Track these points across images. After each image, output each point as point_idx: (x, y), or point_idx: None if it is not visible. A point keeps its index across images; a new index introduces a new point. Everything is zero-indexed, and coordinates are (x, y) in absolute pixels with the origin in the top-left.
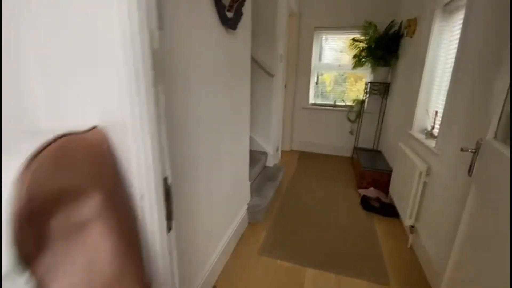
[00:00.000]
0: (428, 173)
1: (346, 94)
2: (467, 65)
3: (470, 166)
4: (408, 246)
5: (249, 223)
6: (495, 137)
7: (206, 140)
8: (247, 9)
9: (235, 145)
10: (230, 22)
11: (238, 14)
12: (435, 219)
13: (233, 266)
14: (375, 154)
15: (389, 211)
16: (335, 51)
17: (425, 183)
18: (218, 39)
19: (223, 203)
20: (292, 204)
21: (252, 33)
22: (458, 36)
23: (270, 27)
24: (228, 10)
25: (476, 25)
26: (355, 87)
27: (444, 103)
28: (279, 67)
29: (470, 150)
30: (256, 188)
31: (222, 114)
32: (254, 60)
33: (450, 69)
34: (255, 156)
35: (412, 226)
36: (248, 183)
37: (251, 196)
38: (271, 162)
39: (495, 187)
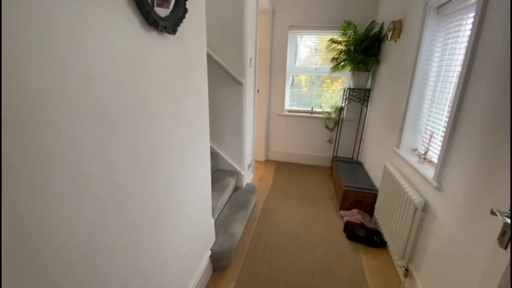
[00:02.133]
0: (424, 209)
1: (323, 95)
2: (481, 84)
3: (503, 233)
4: None
5: (213, 271)
6: None
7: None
8: (196, 2)
9: (189, 182)
10: (164, 23)
11: (179, 11)
12: (436, 270)
13: None
14: (356, 166)
15: (375, 241)
16: (311, 52)
17: (420, 219)
18: (141, 48)
19: (177, 258)
20: (266, 238)
21: (213, 33)
22: (459, 43)
23: (237, 26)
24: (160, 5)
25: (495, 30)
26: (331, 89)
27: (444, 126)
28: (249, 72)
29: (505, 216)
30: (223, 224)
31: (153, 152)
32: (219, 66)
33: (451, 84)
34: (223, 179)
35: (407, 270)
36: (212, 221)
37: (216, 236)
38: (243, 182)
39: None
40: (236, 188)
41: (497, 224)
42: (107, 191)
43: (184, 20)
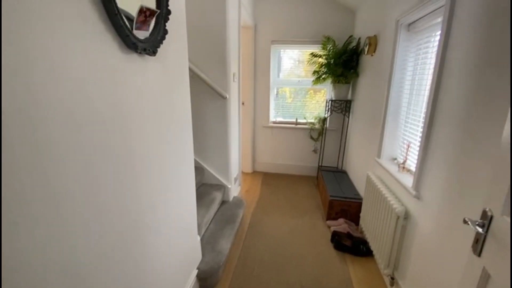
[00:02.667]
0: (406, 217)
1: (306, 106)
2: (450, 96)
3: (476, 241)
4: None
5: None
6: None
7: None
8: (176, 23)
9: (173, 201)
10: (143, 45)
11: (159, 33)
12: (420, 276)
13: None
14: (341, 176)
15: (362, 250)
16: (295, 64)
17: (402, 227)
18: (120, 71)
19: (161, 280)
20: (255, 253)
21: (197, 49)
22: (429, 58)
23: (220, 42)
24: (139, 28)
25: (459, 49)
26: (315, 99)
27: (420, 136)
28: (233, 86)
29: (476, 225)
30: (210, 240)
31: (143, 171)
32: (203, 82)
33: (423, 97)
34: (209, 194)
35: (392, 278)
36: (197, 239)
37: (203, 254)
38: (230, 195)
39: None
40: (223, 202)
41: (471, 232)
42: (90, 212)
43: (164, 41)
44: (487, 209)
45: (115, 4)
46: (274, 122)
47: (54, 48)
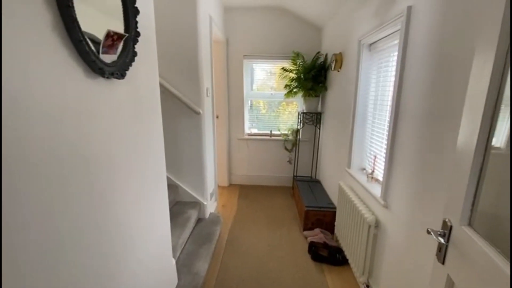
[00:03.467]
0: (376, 225)
1: (280, 117)
2: (409, 111)
3: (439, 250)
4: None
5: None
6: (469, 224)
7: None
8: (146, 44)
9: (145, 224)
10: (110, 70)
11: (128, 55)
12: (392, 282)
13: None
14: (315, 185)
15: (338, 259)
16: (267, 76)
17: (374, 235)
18: (87, 96)
19: None
20: (233, 271)
21: (168, 65)
22: (389, 76)
23: (192, 57)
24: (106, 52)
25: (414, 68)
26: (288, 110)
27: (385, 148)
28: (206, 101)
29: (438, 235)
30: (186, 262)
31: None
32: (175, 98)
33: (386, 112)
34: (184, 213)
35: (367, 286)
36: (172, 262)
37: (179, 278)
38: (206, 212)
39: None
40: (198, 220)
41: (435, 240)
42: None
43: (133, 63)
44: (446, 220)
45: (79, 30)
46: (249, 134)
47: (7, 75)
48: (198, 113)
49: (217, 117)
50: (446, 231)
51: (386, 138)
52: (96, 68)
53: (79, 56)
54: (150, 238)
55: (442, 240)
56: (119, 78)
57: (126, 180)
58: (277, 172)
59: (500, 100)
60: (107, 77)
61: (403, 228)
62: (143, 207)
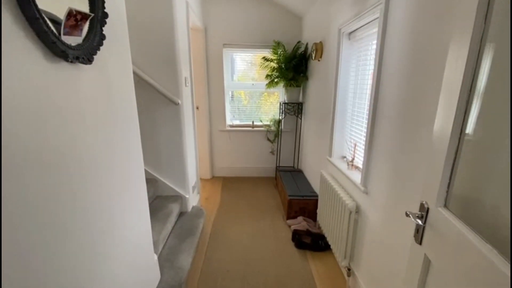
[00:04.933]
0: (357, 211)
1: (262, 108)
2: (388, 99)
3: (417, 231)
4: None
5: None
6: (445, 205)
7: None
8: (116, 27)
9: (123, 220)
10: (75, 53)
11: (95, 38)
12: (372, 265)
13: None
14: (297, 174)
15: (320, 246)
16: (248, 66)
17: (355, 220)
18: (48, 83)
19: None
20: (218, 263)
21: (144, 54)
22: (368, 65)
23: (168, 45)
24: (69, 33)
25: (393, 56)
26: (269, 101)
27: (365, 136)
28: (185, 91)
29: (416, 217)
30: (169, 257)
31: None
32: (152, 88)
33: (365, 101)
34: (165, 207)
35: (349, 269)
36: (154, 258)
37: (162, 273)
38: (188, 205)
39: (456, 271)
40: (180, 214)
41: (413, 222)
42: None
43: (102, 47)
44: (424, 202)
45: (35, 6)
46: (231, 126)
47: None
48: (176, 104)
49: (197, 108)
50: (424, 213)
51: (366, 126)
52: (57, 50)
53: (37, 37)
54: (129, 234)
55: (419, 222)
56: (85, 63)
57: (99, 175)
58: (260, 163)
59: (475, 87)
60: (71, 61)
61: (382, 212)
62: (119, 202)
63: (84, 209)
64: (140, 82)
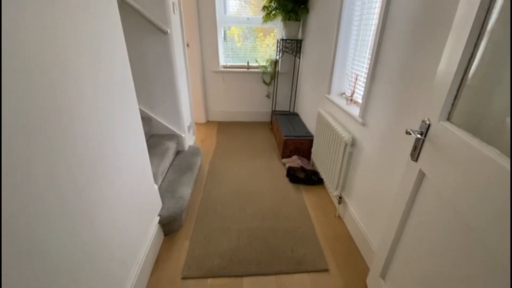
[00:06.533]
0: (353, 144)
1: (257, 50)
2: (394, 27)
3: (414, 149)
4: (336, 215)
5: (165, 235)
6: (448, 119)
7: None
8: None
9: (121, 150)
10: None
11: None
12: (362, 192)
13: None
14: (293, 117)
15: (313, 180)
16: (241, 4)
17: (349, 153)
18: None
19: (121, 231)
20: (216, 196)
21: None
22: None
23: None
24: None
25: None
26: (265, 43)
27: (367, 68)
28: (174, 20)
29: (416, 133)
30: (169, 189)
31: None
32: (137, 13)
33: (370, 31)
34: (161, 144)
35: (340, 197)
36: (155, 187)
37: (163, 202)
38: (185, 144)
39: (453, 182)
40: (177, 152)
41: (409, 143)
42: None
43: None
44: (425, 119)
45: None
46: (225, 67)
47: None
48: (165, 33)
49: (188, 45)
50: (424, 130)
51: (369, 55)
52: None
53: None
54: (129, 162)
55: (419, 136)
56: None
57: (92, 105)
58: (255, 107)
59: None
60: None
61: (378, 142)
62: (116, 131)
63: (83, 135)
64: (123, 8)
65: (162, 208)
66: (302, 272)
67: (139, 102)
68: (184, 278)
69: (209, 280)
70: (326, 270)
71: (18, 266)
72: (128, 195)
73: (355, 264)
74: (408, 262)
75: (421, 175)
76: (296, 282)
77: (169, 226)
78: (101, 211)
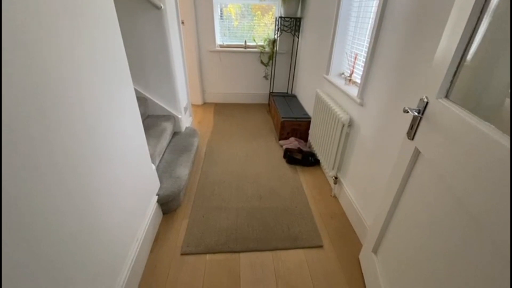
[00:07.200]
0: (350, 124)
1: (255, 29)
2: (396, 1)
3: (411, 127)
4: (332, 195)
5: (164, 214)
6: (446, 96)
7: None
8: None
9: (118, 130)
10: None
11: None
12: (357, 172)
13: (150, 280)
14: (291, 99)
15: (310, 161)
16: None
17: (346, 134)
18: None
19: (119, 211)
20: (214, 176)
21: None
22: None
23: None
24: None
25: None
26: (263, 22)
27: (367, 47)
28: None
29: (414, 111)
30: (167, 169)
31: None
32: None
33: (371, 13)
34: (157, 125)
35: (336, 178)
36: (152, 167)
37: (161, 181)
38: (181, 126)
39: (449, 159)
40: (175, 134)
41: (406, 122)
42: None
43: None
44: (423, 97)
45: None
46: (221, 46)
47: None
48: (159, 8)
49: (183, 23)
50: (421, 108)
51: (370, 33)
52: None
53: None
54: (125, 145)
55: (417, 114)
56: None
57: (82, 76)
58: (252, 89)
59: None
60: None
61: (375, 122)
62: (110, 110)
63: (82, 115)
64: None
65: (160, 188)
66: (297, 248)
67: (134, 81)
68: (183, 254)
69: (208, 256)
70: (321, 246)
71: (22, 243)
72: (126, 173)
73: (349, 241)
74: (400, 237)
75: (417, 153)
76: (292, 257)
77: (167, 205)
78: (100, 189)
